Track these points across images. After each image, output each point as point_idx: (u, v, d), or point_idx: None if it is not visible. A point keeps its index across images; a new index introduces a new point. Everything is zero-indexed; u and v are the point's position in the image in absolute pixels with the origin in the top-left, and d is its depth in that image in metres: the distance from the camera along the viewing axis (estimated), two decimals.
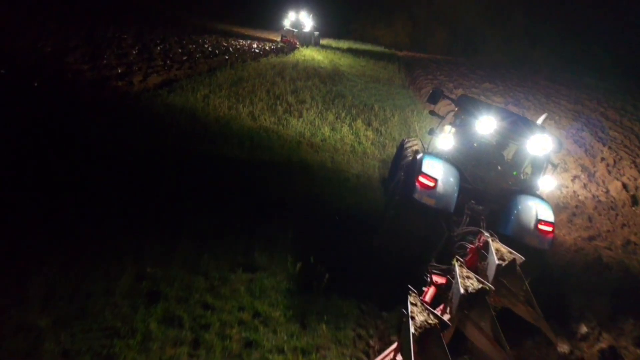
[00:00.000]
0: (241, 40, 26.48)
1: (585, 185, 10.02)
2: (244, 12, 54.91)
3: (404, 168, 6.36)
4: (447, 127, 6.54)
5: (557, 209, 8.82)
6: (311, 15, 32.10)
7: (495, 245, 4.42)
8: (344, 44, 40.06)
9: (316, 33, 31.95)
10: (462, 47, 61.67)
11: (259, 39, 31.65)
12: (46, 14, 22.16)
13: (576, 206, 8.97)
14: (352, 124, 11.58)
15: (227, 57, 18.78)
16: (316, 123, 11.15)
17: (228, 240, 5.74)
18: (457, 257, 4.36)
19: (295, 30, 30.49)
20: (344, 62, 24.51)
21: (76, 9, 26.52)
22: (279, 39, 31.63)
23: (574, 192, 9.62)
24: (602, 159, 11.50)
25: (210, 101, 11.57)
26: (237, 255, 5.49)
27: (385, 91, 17.49)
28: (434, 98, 6.62)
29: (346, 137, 10.65)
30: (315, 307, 4.77)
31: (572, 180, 10.20)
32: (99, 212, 5.55)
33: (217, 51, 20.21)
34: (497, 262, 4.10)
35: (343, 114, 12.26)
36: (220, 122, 10.21)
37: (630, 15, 50.57)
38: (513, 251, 4.36)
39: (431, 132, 6.54)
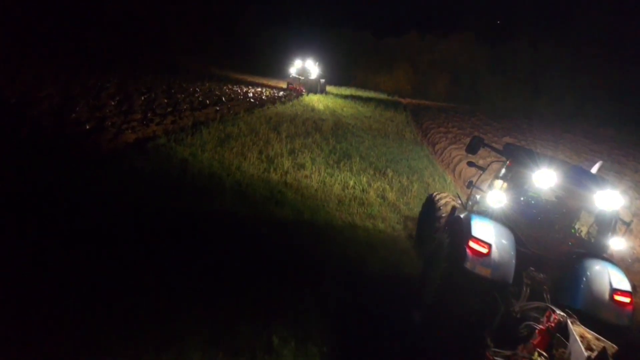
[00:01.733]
0: (236, 88, 24.76)
1: None
2: (250, 60, 54.67)
3: (447, 231, 5.38)
4: (498, 182, 5.58)
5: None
6: (317, 63, 32.33)
7: (577, 329, 3.71)
8: (345, 91, 38.88)
9: (322, 80, 31.92)
10: (465, 94, 61.01)
11: (260, 86, 30.28)
12: (23, 58, 20.51)
13: None
14: (364, 197, 9.31)
15: (217, 109, 16.80)
16: (318, 197, 8.86)
17: None
18: (539, 350, 3.71)
19: (302, 77, 30.39)
20: (347, 112, 22.64)
21: (61, 54, 25.03)
22: (285, 85, 31.41)
23: None
24: None
25: (188, 167, 9.36)
26: None
27: (397, 148, 15.35)
28: (473, 148, 5.97)
29: (356, 216, 8.34)
30: None
31: None
32: None
33: (207, 101, 18.29)
34: (585, 353, 3.43)
35: (351, 183, 10.00)
36: (198, 197, 7.91)
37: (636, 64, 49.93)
38: (601, 337, 3.65)
39: (469, 185, 5.97)
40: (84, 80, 18.73)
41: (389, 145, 15.49)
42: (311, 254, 6.51)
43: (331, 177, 10.26)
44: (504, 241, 4.58)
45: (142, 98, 16.83)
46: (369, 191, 9.75)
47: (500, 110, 43.37)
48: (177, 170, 9.15)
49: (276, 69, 49.71)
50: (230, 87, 24.60)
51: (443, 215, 6.54)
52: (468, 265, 4.35)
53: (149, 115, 14.04)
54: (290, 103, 21.90)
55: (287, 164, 10.48)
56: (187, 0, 50.97)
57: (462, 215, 5.11)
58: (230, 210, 7.51)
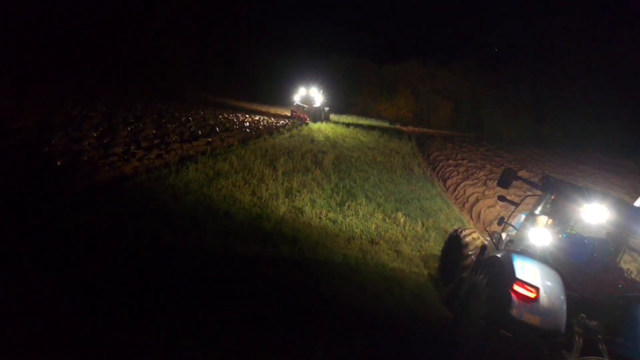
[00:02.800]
0: (232, 116, 23.57)
1: None
2: (249, 87, 54.24)
3: (481, 271, 4.83)
4: (542, 218, 5.22)
5: None
6: (321, 91, 32.14)
7: None
8: (346, 119, 37.93)
9: (326, 109, 31.74)
10: (467, 121, 60.26)
11: (259, 114, 29.20)
12: (4, 86, 19.36)
13: None
14: (374, 251, 7.84)
15: (210, 140, 15.51)
16: (319, 253, 7.37)
17: None
18: None
19: (306, 106, 30.17)
20: (349, 142, 21.36)
21: (48, 80, 23.95)
22: (287, 113, 30.96)
23: None
24: None
25: (169, 208, 7.96)
26: None
27: (406, 185, 13.94)
28: (505, 181, 5.69)
29: (365, 276, 6.86)
30: None
31: None
32: None
33: (200, 132, 17.01)
34: None
35: (358, 232, 8.55)
36: (171, 250, 6.46)
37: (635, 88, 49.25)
38: None
39: (501, 222, 5.86)
40: (68, 108, 17.54)
41: (396, 182, 14.08)
42: (307, 345, 5.01)
43: (334, 224, 8.82)
44: (552, 284, 4.14)
45: (129, 129, 15.56)
46: (379, 242, 8.29)
47: (505, 138, 42.30)
48: (153, 216, 7.74)
49: (276, 96, 48.99)
50: (225, 115, 23.41)
51: (471, 253, 6.25)
52: (514, 312, 3.90)
53: (132, 148, 12.72)
54: (289, 134, 20.65)
55: (283, 208, 9.05)
56: (186, 27, 50.66)
57: (499, 255, 4.68)
58: (210, 271, 6.05)
